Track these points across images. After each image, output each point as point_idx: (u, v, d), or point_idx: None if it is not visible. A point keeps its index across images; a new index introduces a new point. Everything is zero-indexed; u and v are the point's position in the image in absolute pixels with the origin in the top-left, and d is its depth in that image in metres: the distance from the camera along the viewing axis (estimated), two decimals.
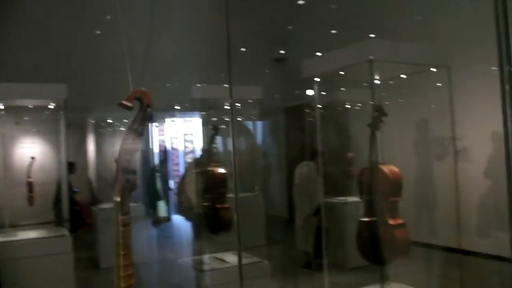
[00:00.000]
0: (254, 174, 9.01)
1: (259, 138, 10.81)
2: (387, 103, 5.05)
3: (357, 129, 7.73)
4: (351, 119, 8.19)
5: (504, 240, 6.45)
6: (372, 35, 5.49)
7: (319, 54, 5.46)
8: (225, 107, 7.15)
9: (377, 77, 4.77)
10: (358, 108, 7.95)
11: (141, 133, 1.83)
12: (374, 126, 4.86)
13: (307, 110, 7.98)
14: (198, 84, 6.48)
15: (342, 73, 5.26)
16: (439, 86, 5.54)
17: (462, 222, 6.07)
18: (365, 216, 4.92)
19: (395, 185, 4.77)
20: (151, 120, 1.82)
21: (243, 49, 3.81)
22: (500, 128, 6.75)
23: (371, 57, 4.46)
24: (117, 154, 1.84)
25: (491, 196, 6.65)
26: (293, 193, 7.82)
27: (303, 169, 7.50)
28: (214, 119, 7.85)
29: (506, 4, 2.72)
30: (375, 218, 4.81)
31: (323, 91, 5.81)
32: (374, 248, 4.82)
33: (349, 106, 8.03)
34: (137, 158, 9.02)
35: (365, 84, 5.55)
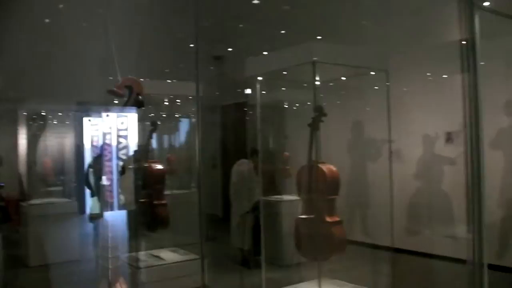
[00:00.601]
0: (190, 171, 8.97)
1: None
2: (324, 104, 5.17)
3: (293, 129, 7.86)
4: (288, 119, 8.32)
5: (432, 239, 6.77)
6: (319, 37, 5.60)
7: (265, 53, 5.52)
8: (165, 103, 7.11)
9: (317, 78, 4.88)
10: (295, 108, 8.09)
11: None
12: (314, 126, 4.99)
13: (245, 109, 8.04)
14: (141, 79, 6.36)
15: (285, 73, 5.35)
16: (376, 89, 5.74)
17: (394, 221, 6.32)
18: (304, 213, 5.04)
19: (333, 184, 4.92)
20: (142, 106, 1.83)
21: (191, 45, 3.79)
22: (430, 131, 7.06)
23: (315, 59, 4.55)
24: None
25: (420, 196, 6.95)
26: (229, 191, 7.84)
27: (241, 167, 7.54)
28: (151, 114, 7.75)
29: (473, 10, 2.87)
30: (313, 216, 4.94)
31: (263, 91, 5.88)
32: (312, 245, 4.95)
33: (286, 106, 8.16)
34: (71, 153, 8.74)
35: (305, 85, 5.67)
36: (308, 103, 7.23)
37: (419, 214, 6.95)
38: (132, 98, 1.79)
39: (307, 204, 5.01)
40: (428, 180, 7.00)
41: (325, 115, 4.93)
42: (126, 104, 1.79)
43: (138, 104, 1.80)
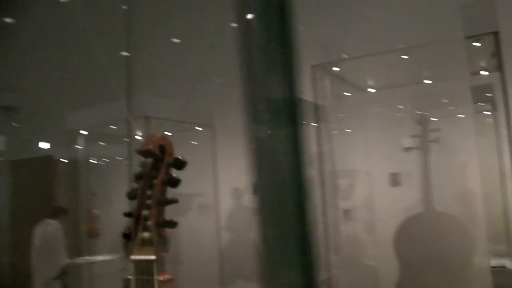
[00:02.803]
0: None
1: None
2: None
3: (103, 185, 7.52)
4: (97, 175, 7.93)
5: None
6: (149, 92, 5.53)
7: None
8: None
9: (141, 133, 4.83)
10: (104, 163, 7.78)
11: (177, 181, 1.56)
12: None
13: (47, 165, 7.51)
14: None
15: (114, 127, 5.18)
16: (196, 144, 5.86)
17: (207, 276, 6.40)
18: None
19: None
20: (184, 166, 1.56)
21: None
22: (240, 184, 7.35)
23: (150, 114, 4.51)
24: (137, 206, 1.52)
25: (233, 248, 7.11)
26: (30, 256, 7.12)
27: (46, 228, 6.92)
28: None
29: None
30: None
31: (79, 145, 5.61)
32: None
33: (95, 162, 7.79)
34: None
35: (126, 140, 5.54)
36: (120, 158, 7.06)
37: (233, 267, 7.09)
38: (167, 159, 1.55)
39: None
40: (239, 232, 7.22)
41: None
42: (159, 165, 1.54)
43: (181, 166, 1.56)
